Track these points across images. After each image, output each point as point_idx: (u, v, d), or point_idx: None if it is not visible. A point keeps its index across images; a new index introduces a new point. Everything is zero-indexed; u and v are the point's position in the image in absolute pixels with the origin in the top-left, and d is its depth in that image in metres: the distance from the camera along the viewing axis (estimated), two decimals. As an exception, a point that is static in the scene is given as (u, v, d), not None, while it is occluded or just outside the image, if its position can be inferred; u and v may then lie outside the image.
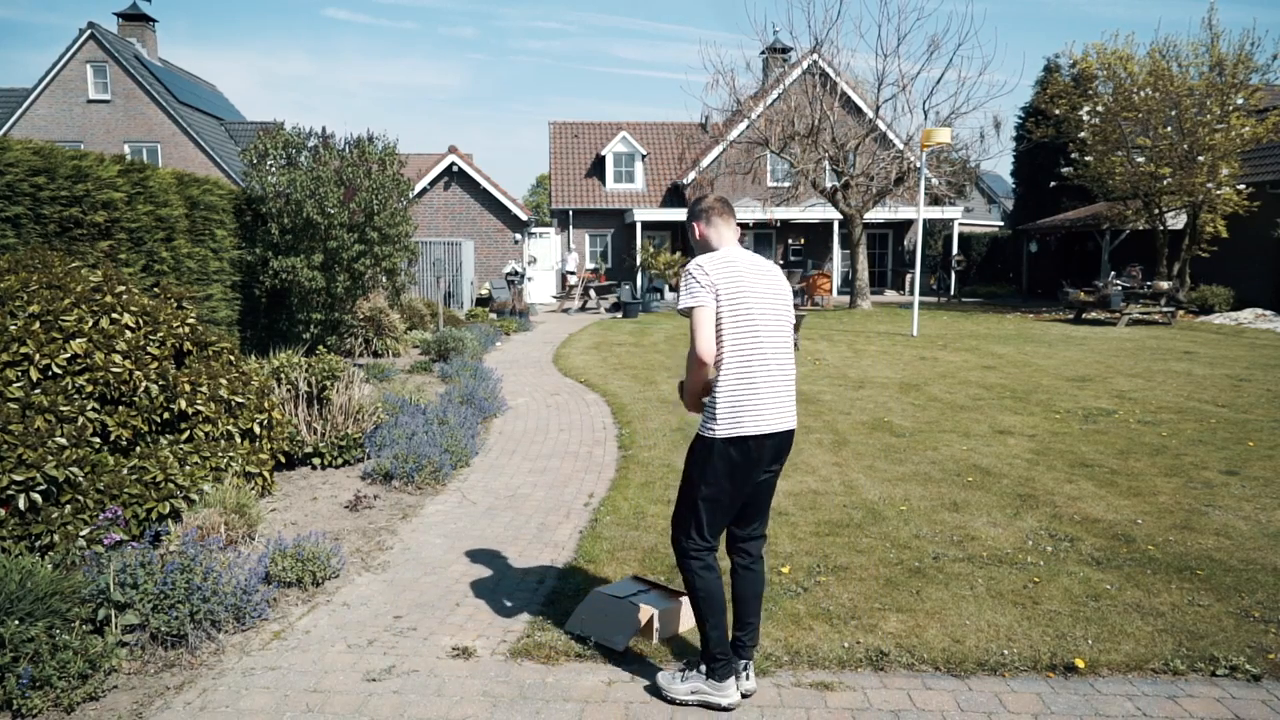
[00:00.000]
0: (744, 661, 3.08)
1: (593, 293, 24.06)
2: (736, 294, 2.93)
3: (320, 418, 6.48)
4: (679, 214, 27.63)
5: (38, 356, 4.29)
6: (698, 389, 2.99)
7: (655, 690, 3.05)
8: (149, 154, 29.26)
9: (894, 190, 21.82)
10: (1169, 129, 19.40)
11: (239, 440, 5.18)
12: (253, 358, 7.45)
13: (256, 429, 5.33)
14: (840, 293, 27.09)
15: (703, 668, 2.99)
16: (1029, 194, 29.14)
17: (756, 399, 2.93)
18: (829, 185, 22.08)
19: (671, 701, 2.99)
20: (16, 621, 2.93)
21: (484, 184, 26.37)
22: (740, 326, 2.93)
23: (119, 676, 3.12)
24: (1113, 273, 21.49)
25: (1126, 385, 9.59)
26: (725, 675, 2.96)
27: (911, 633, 3.50)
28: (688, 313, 2.92)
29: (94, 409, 4.40)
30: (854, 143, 22.01)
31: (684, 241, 28.77)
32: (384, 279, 10.43)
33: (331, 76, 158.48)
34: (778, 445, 3.01)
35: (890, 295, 28.03)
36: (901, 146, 21.65)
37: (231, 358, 5.72)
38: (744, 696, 3.05)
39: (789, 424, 3.03)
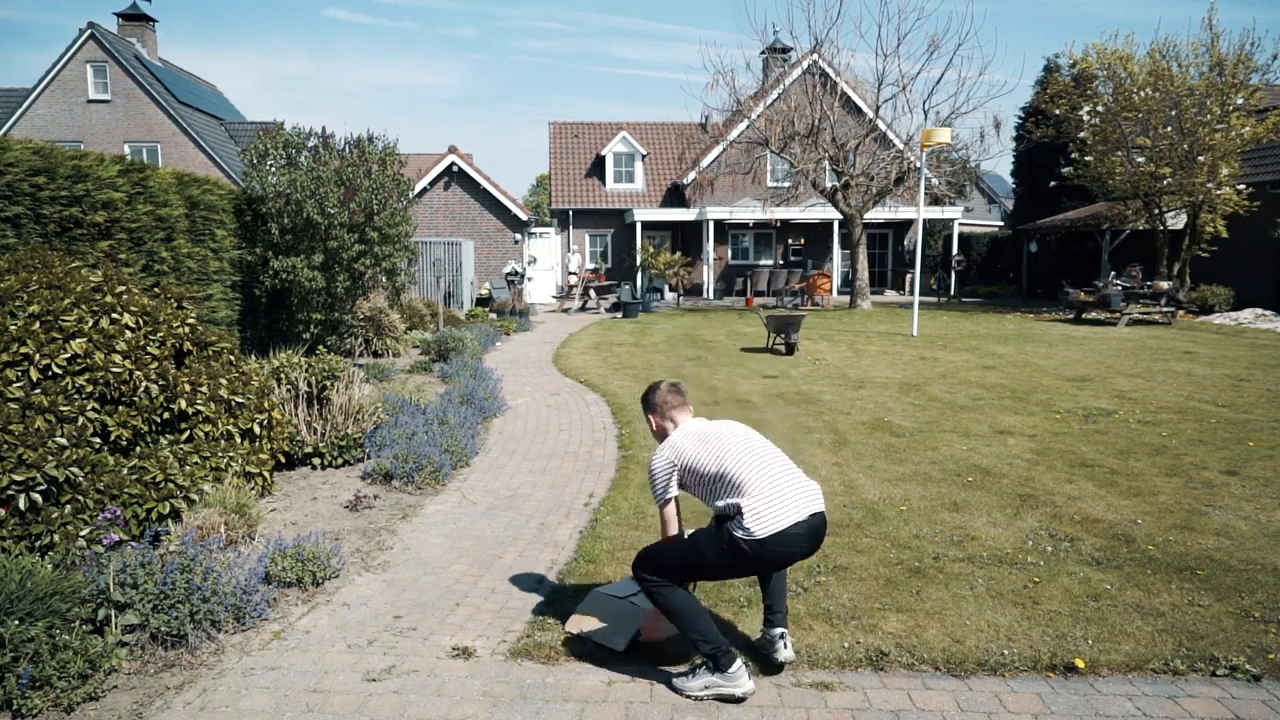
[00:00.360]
0: (780, 630, 3.22)
1: (593, 293, 24.06)
2: (703, 444, 3.20)
3: (320, 418, 6.48)
4: (679, 214, 27.64)
5: (38, 356, 4.29)
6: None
7: (673, 689, 3.08)
8: (149, 154, 29.26)
9: (894, 190, 21.82)
10: (1169, 129, 19.40)
11: (239, 440, 5.18)
12: (253, 358, 7.45)
13: (256, 429, 5.33)
14: (840, 293, 27.09)
15: (710, 664, 3.03)
16: (1029, 194, 29.13)
17: (778, 499, 3.05)
18: (829, 185, 22.09)
19: (691, 698, 3.02)
20: (16, 621, 2.93)
21: (484, 184, 26.37)
22: (728, 456, 3.13)
23: (119, 676, 3.12)
24: (1113, 273, 21.50)
25: (1126, 385, 9.59)
26: (729, 663, 3.00)
27: (911, 633, 3.50)
28: (662, 505, 3.27)
29: (94, 409, 4.40)
30: (854, 143, 22.00)
31: (684, 242, 28.78)
32: (384, 279, 10.43)
33: (332, 76, 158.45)
34: (811, 530, 3.08)
35: (890, 295, 28.03)
36: (901, 146, 21.65)
37: (231, 358, 5.72)
38: (783, 666, 3.22)
39: (819, 504, 3.14)
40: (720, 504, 3.11)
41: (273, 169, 9.54)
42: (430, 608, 3.81)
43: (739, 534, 3.01)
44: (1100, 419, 7.76)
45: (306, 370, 6.76)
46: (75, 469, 3.98)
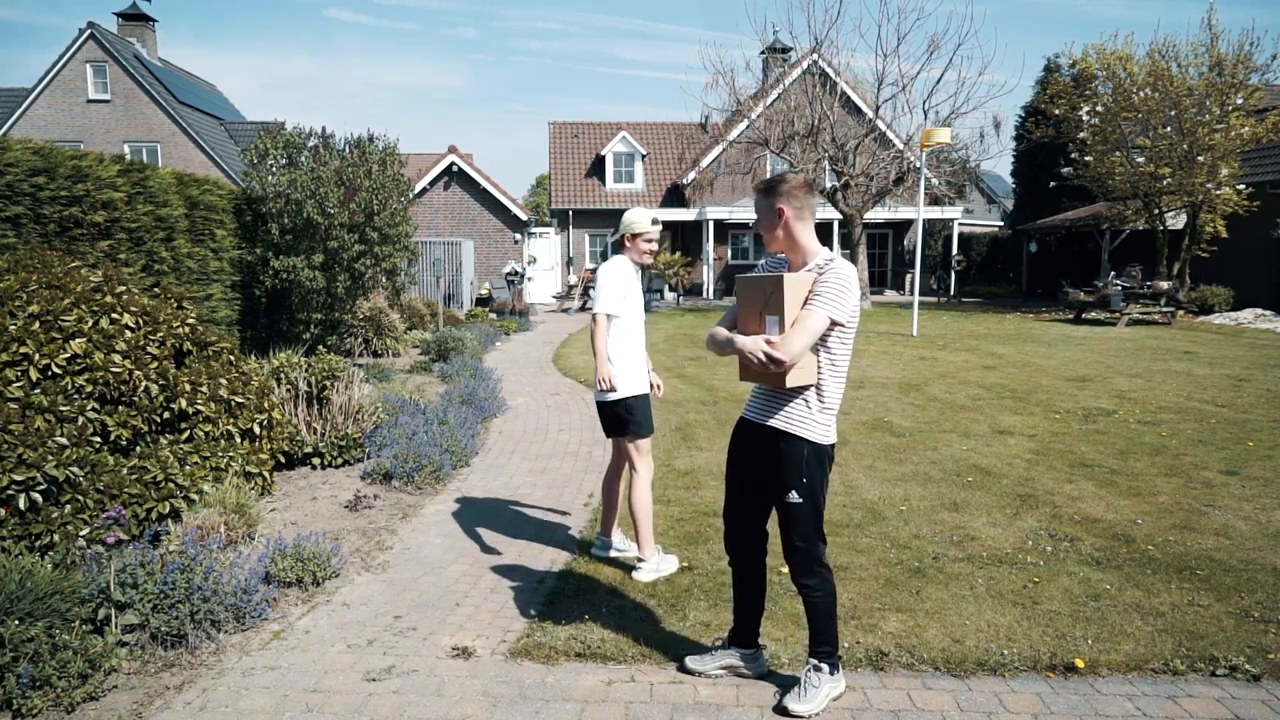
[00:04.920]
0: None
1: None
2: (856, 311, 2.86)
3: (320, 418, 6.48)
4: (679, 214, 27.63)
5: (37, 356, 4.29)
6: (767, 375, 2.86)
7: (790, 714, 2.91)
8: (149, 154, 29.27)
9: (894, 190, 21.82)
10: (1168, 129, 19.41)
11: (239, 440, 5.18)
12: (253, 358, 7.45)
13: (256, 429, 5.33)
14: (840, 293, 27.03)
15: (830, 667, 3.00)
16: (1029, 194, 29.14)
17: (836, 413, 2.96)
18: (829, 185, 22.08)
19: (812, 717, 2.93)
20: (16, 621, 2.93)
21: (484, 184, 26.37)
22: (849, 344, 2.90)
23: (119, 676, 3.12)
24: (1113, 273, 21.50)
25: (1126, 385, 9.59)
26: (838, 663, 3.06)
27: (911, 633, 3.50)
28: (820, 320, 2.78)
29: (94, 409, 4.39)
30: (854, 143, 22.00)
31: (684, 242, 28.76)
32: (384, 279, 10.43)
33: (333, 77, 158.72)
34: None
35: (890, 295, 28.03)
36: (901, 146, 21.65)
37: (231, 358, 5.72)
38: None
39: None
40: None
41: (273, 169, 9.55)
42: (430, 608, 3.81)
43: (822, 440, 2.87)
44: (1100, 419, 7.76)
45: (306, 370, 6.76)
46: (75, 469, 3.98)
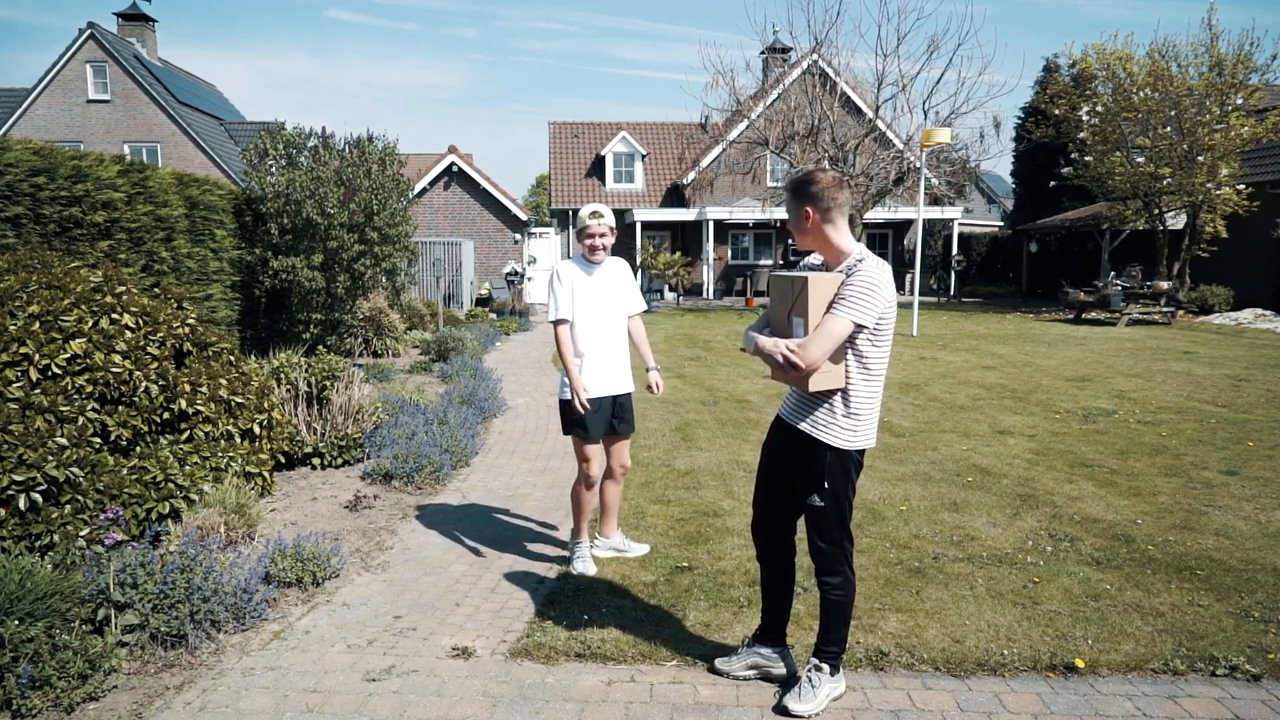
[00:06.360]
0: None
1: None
2: (889, 311, 2.76)
3: (320, 418, 6.48)
4: (679, 214, 27.62)
5: (38, 356, 4.29)
6: (790, 378, 2.81)
7: (791, 714, 2.91)
8: (149, 154, 29.27)
9: (894, 190, 21.81)
10: (1168, 129, 19.41)
11: (239, 440, 5.18)
12: (253, 358, 7.45)
13: (256, 429, 5.33)
14: (840, 293, 27.02)
15: (831, 668, 2.98)
16: (1029, 194, 29.15)
17: (875, 416, 2.88)
18: (829, 185, 22.03)
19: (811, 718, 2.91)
20: (16, 621, 2.93)
21: (484, 184, 26.37)
22: (883, 346, 2.80)
23: (119, 676, 3.12)
24: (1113, 273, 21.50)
25: (1126, 385, 9.59)
26: (840, 665, 3.06)
27: (911, 633, 3.50)
28: (842, 325, 2.68)
29: (94, 409, 4.39)
30: (854, 143, 22.00)
31: (683, 242, 28.75)
32: (384, 279, 10.43)
33: (334, 77, 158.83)
34: None
35: (890, 295, 28.00)
36: (901, 146, 21.64)
37: (231, 358, 5.72)
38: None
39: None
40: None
41: (273, 169, 9.55)
42: (430, 608, 3.81)
43: (846, 446, 2.80)
44: (1100, 419, 7.76)
45: (306, 370, 6.76)
46: (75, 469, 3.97)
